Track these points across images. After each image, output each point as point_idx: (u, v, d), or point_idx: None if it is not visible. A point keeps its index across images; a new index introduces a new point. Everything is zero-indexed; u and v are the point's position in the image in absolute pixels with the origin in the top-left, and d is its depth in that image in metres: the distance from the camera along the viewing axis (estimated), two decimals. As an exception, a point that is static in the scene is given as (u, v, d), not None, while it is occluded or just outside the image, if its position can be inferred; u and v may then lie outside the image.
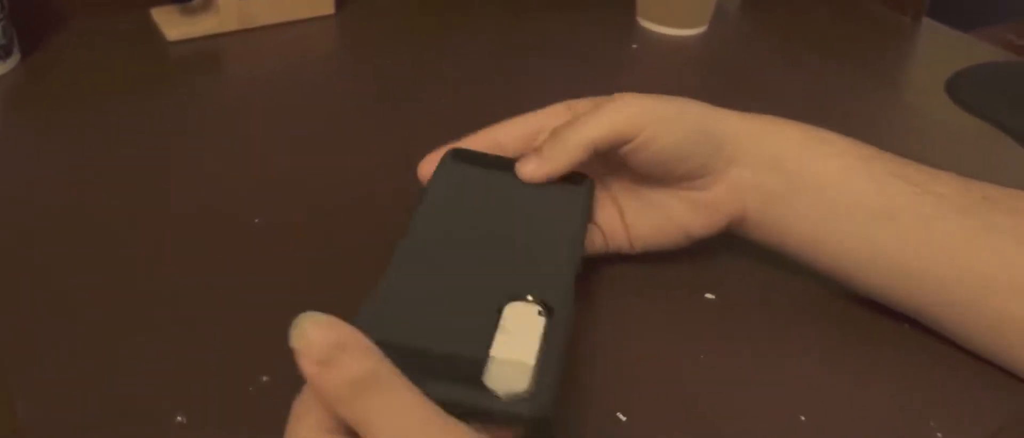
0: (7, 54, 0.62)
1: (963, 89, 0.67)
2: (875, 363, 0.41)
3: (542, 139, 0.42)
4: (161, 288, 0.43)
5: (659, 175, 0.42)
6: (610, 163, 0.43)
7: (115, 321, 0.41)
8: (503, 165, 0.42)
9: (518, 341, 0.32)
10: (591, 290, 0.44)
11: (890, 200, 0.40)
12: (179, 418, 0.37)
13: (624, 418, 0.38)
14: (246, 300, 0.43)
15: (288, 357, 0.39)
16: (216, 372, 0.39)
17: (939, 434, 0.38)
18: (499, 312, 0.33)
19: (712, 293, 0.45)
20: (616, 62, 0.69)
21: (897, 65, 0.74)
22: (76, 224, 0.48)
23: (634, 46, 0.71)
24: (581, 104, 0.44)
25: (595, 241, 0.44)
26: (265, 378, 0.38)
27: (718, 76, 0.68)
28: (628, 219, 0.44)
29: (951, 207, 0.39)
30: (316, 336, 0.28)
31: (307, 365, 0.28)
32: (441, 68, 0.66)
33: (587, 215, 0.41)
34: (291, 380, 0.38)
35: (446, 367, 0.31)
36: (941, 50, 0.75)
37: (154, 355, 0.39)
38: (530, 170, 0.41)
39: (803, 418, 0.38)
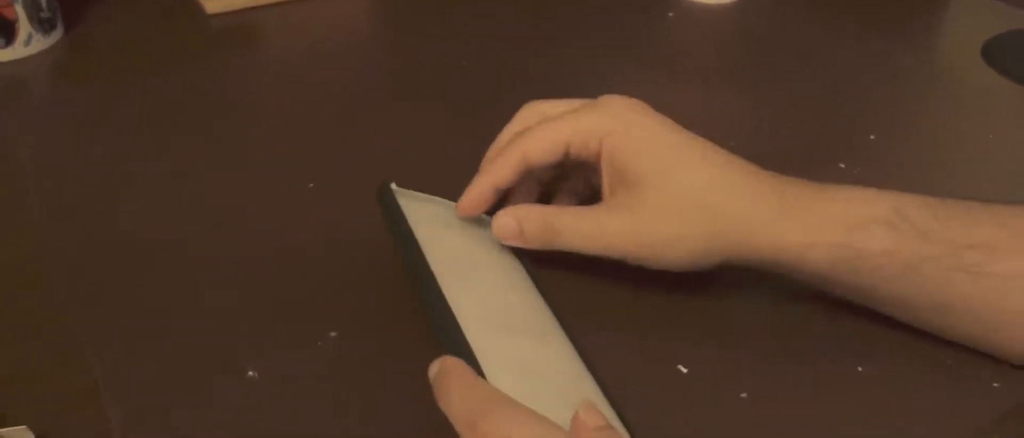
0: (51, 27, 0.62)
1: (1000, 54, 0.67)
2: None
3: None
4: (225, 250, 0.44)
5: None
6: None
7: (182, 281, 0.42)
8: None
9: None
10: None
11: (951, 293, 0.37)
12: (251, 373, 0.37)
13: (685, 370, 0.39)
14: (310, 260, 0.43)
15: (354, 313, 0.41)
16: (285, 329, 0.40)
17: (995, 384, 0.39)
18: None
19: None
20: (652, 31, 0.69)
21: (931, 30, 0.74)
22: (132, 191, 0.48)
23: (670, 15, 0.71)
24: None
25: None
26: (333, 333, 0.39)
27: (754, 44, 0.68)
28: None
29: (1018, 285, 0.37)
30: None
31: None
32: (476, 39, 0.67)
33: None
34: (358, 335, 0.39)
35: None
36: (975, 16, 0.75)
37: (224, 314, 0.40)
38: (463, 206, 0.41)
39: (861, 369, 0.39)
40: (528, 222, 0.40)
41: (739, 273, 0.43)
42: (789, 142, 0.56)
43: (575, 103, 0.42)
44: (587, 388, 0.35)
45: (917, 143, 0.56)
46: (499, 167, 0.40)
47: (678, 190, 0.38)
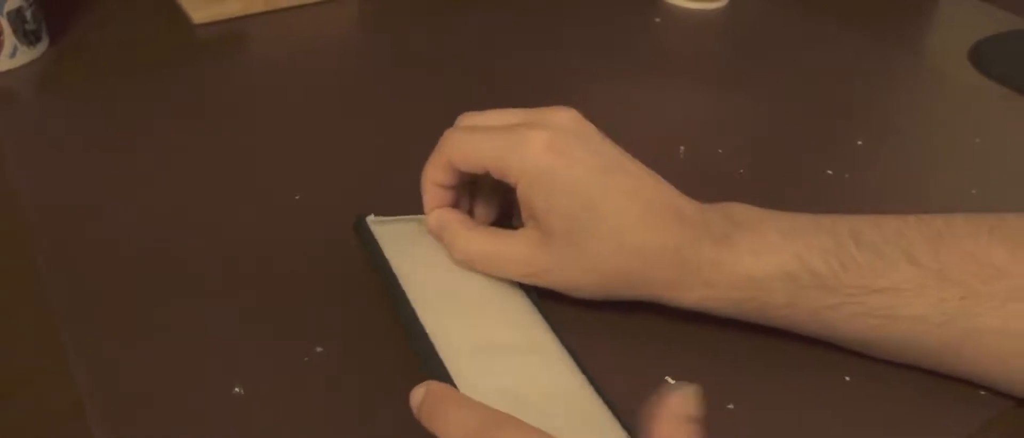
0: (37, 39, 0.62)
1: (987, 57, 0.67)
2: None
3: None
4: (210, 264, 0.44)
5: None
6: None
7: (166, 296, 0.42)
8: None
9: None
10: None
11: (864, 333, 0.38)
12: (237, 389, 0.37)
13: (672, 381, 0.39)
14: (296, 274, 0.43)
15: (340, 328, 0.40)
16: (271, 344, 0.39)
17: (982, 392, 0.39)
18: None
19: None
20: (639, 36, 0.69)
21: (919, 34, 0.74)
22: (118, 205, 0.48)
23: (657, 20, 0.71)
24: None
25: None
26: (319, 349, 0.39)
27: (740, 50, 0.68)
28: None
29: (929, 325, 0.37)
30: None
31: None
32: (463, 44, 0.66)
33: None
34: (344, 350, 0.39)
35: None
36: (963, 19, 0.75)
37: (209, 329, 0.40)
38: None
39: (848, 378, 0.39)
40: (446, 232, 0.41)
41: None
42: (776, 148, 0.56)
43: (508, 116, 0.41)
44: (583, 404, 0.34)
45: (904, 147, 0.57)
46: (431, 167, 0.41)
47: (582, 249, 0.38)
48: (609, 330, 0.41)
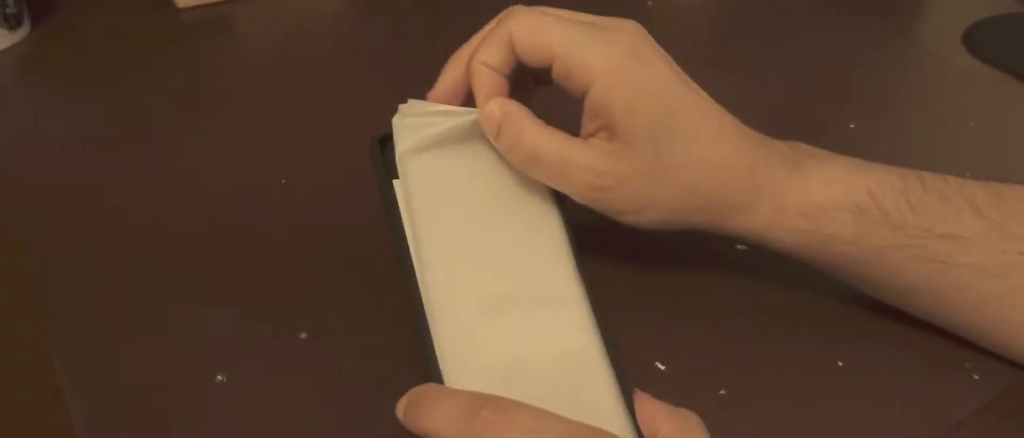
0: (18, 23, 0.61)
1: (981, 40, 0.66)
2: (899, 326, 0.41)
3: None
4: (193, 249, 0.43)
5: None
6: None
7: (148, 282, 0.41)
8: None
9: None
10: (630, 236, 0.44)
11: (917, 279, 0.37)
12: (219, 377, 0.37)
13: (663, 367, 0.38)
14: (280, 259, 0.43)
15: (325, 314, 0.40)
16: (254, 331, 0.39)
17: (976, 376, 0.38)
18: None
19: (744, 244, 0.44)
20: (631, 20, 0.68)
21: (913, 17, 0.73)
22: (99, 190, 0.47)
23: (649, 3, 0.70)
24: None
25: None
26: (303, 335, 0.38)
27: (732, 35, 0.68)
28: None
29: (985, 275, 0.36)
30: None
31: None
32: (452, 25, 0.65)
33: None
34: (328, 336, 0.39)
35: None
36: (957, 2, 0.74)
37: (191, 316, 0.39)
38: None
39: (841, 364, 0.39)
40: (509, 123, 0.36)
41: (716, 268, 0.43)
42: (769, 131, 0.54)
43: (572, 14, 0.38)
44: (589, 372, 0.32)
45: (897, 131, 0.56)
46: (486, 46, 0.36)
47: (659, 163, 0.36)
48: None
